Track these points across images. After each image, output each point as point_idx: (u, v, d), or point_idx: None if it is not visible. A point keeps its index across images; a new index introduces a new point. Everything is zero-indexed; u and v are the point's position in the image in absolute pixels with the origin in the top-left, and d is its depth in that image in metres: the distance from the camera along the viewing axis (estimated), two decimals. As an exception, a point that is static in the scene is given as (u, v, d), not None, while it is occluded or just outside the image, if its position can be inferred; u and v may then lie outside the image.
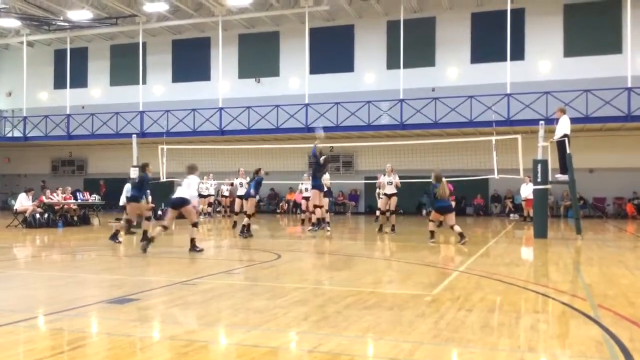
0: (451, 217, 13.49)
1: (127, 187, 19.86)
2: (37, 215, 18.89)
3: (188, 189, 11.59)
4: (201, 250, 11.31)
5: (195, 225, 11.56)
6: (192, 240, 11.38)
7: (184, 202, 11.42)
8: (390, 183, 16.79)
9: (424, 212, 26.59)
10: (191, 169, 11.92)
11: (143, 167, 13.60)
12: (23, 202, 19.33)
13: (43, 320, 5.69)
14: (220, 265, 10.19)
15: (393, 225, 16.59)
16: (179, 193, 11.55)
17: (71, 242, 14.31)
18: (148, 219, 14.01)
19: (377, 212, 18.55)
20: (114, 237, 13.40)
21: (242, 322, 5.57)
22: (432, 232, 13.74)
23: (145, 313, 5.96)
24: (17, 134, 32.81)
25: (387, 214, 16.93)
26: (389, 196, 16.78)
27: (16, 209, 19.49)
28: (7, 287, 7.67)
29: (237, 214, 19.48)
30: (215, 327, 5.42)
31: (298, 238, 15.39)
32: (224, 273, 8.91)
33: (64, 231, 17.72)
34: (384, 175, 16.99)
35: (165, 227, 11.33)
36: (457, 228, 13.38)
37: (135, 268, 10.07)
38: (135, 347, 4.76)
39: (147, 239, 11.89)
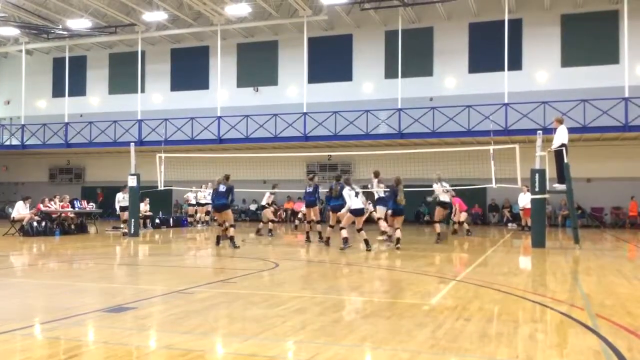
0: (399, 221, 14.69)
1: (119, 196, 19.86)
2: (35, 224, 18.84)
3: (361, 198, 13.98)
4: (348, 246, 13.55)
5: (361, 230, 13.91)
6: (366, 241, 13.65)
7: (362, 211, 14.07)
8: (447, 191, 16.89)
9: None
10: (350, 181, 14.41)
11: (227, 177, 15.05)
12: (20, 210, 19.29)
13: (40, 328, 5.66)
14: (217, 274, 10.17)
15: (468, 230, 17.31)
16: (356, 204, 13.75)
17: (68, 251, 14.27)
18: (232, 225, 14.90)
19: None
20: (232, 241, 14.39)
21: (240, 331, 5.55)
22: (383, 233, 15.38)
23: (142, 322, 5.94)
24: (15, 142, 32.77)
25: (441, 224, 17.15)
26: (444, 205, 16.96)
27: (13, 217, 19.45)
28: (4, 296, 7.64)
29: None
30: (212, 336, 5.40)
31: (296, 246, 15.36)
32: (221, 282, 8.89)
33: (61, 239, 17.68)
34: (437, 183, 17.00)
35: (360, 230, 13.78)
36: (398, 233, 14.48)
37: (132, 276, 10.06)
38: (131, 356, 4.74)
39: (232, 241, 14.28)
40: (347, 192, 13.82)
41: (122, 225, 20.16)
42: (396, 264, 11.73)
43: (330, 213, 15.02)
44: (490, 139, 19.36)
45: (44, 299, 7.36)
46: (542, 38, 26.91)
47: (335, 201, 14.47)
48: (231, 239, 14.45)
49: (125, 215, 19.59)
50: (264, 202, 19.95)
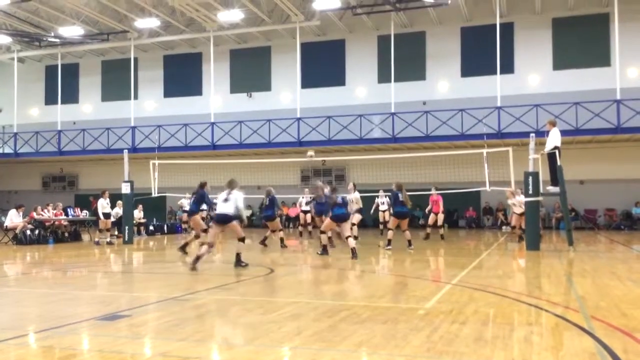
0: (405, 223, 15.07)
1: (103, 202, 19.33)
2: (28, 232, 18.74)
3: (233, 204, 11.22)
4: (246, 265, 11.12)
5: (242, 240, 11.36)
6: (238, 255, 11.23)
7: (229, 218, 11.15)
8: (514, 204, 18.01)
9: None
10: (232, 184, 11.47)
11: (201, 185, 14.77)
12: (13, 218, 19.18)
13: (34, 337, 5.62)
14: (212, 280, 10.13)
15: (520, 236, 17.65)
16: (222, 209, 11.18)
17: (62, 259, 14.20)
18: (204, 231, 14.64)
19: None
20: (183, 248, 14.58)
21: (235, 337, 5.54)
22: (389, 240, 15.01)
23: (137, 330, 5.91)
24: (7, 150, 32.65)
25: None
26: (520, 214, 17.91)
27: (6, 226, 19.33)
28: (-3, 305, 7.59)
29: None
30: (207, 343, 5.38)
31: (292, 252, 15.33)
32: (216, 288, 8.86)
33: (55, 247, 17.59)
34: (517, 194, 17.71)
35: (211, 245, 11.16)
36: (408, 234, 15.09)
37: (126, 284, 10.01)
38: (126, 364, 4.71)
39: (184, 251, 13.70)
40: (221, 197, 11.38)
41: (110, 234, 19.70)
42: (390, 268, 11.72)
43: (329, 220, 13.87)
44: (483, 142, 19.46)
45: (38, 307, 7.32)
46: (533, 41, 27.05)
47: (339, 209, 13.66)
48: (184, 245, 14.68)
49: (106, 223, 19.01)
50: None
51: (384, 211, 21.39)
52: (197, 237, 14.86)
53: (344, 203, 13.97)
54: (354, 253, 12.80)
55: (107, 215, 19.06)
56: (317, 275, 10.73)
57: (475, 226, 27.77)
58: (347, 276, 10.62)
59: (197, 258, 11.01)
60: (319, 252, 13.70)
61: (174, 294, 7.99)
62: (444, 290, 8.39)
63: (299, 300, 7.51)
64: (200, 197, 14.62)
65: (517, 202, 17.72)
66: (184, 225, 25.82)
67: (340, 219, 13.52)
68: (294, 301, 7.44)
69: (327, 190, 14.76)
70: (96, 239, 18.81)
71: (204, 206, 22.54)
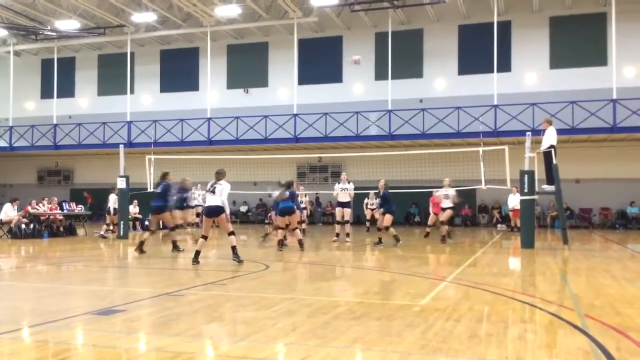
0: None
1: (112, 197, 19.74)
2: (23, 226, 18.70)
3: (220, 196, 10.82)
4: (241, 261, 10.90)
5: (232, 234, 11.08)
6: (234, 248, 11.03)
7: (218, 210, 10.86)
8: (447, 197, 17.21)
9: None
10: (219, 175, 11.09)
11: (163, 176, 13.96)
12: (8, 212, 19.14)
13: (28, 332, 5.61)
14: (207, 276, 10.12)
15: (444, 236, 17.07)
16: (211, 201, 10.87)
17: (57, 253, 14.17)
18: (173, 228, 14.09)
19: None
20: (175, 246, 13.85)
21: (230, 333, 5.53)
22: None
23: (132, 324, 5.90)
24: (3, 143, 32.50)
25: (438, 224, 17.96)
26: (444, 209, 17.46)
27: (1, 220, 19.29)
28: (-9, 299, 7.57)
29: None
30: (202, 338, 5.38)
31: (287, 249, 15.33)
32: (211, 284, 8.86)
33: (50, 242, 17.56)
34: (442, 188, 17.28)
35: (205, 237, 11.11)
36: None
37: (121, 279, 10.00)
38: (121, 359, 4.71)
39: (177, 248, 13.45)
40: (208, 188, 11.10)
41: (111, 228, 20.10)
42: (386, 265, 11.73)
43: (278, 216, 14.56)
44: (479, 140, 19.48)
45: (32, 301, 7.30)
46: (531, 40, 27.06)
47: (285, 202, 14.26)
48: (173, 243, 13.85)
49: (112, 218, 19.76)
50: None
51: (373, 209, 21.48)
52: (152, 232, 14.27)
53: (291, 196, 14.44)
54: (301, 244, 14.00)
55: (115, 211, 19.52)
56: (312, 271, 10.74)
57: (471, 224, 27.81)
58: (341, 273, 10.63)
59: (197, 253, 11.02)
60: (279, 248, 14.07)
61: (169, 290, 7.98)
62: (439, 287, 8.40)
63: (294, 297, 7.51)
64: (164, 190, 13.54)
65: (451, 196, 17.21)
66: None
67: (285, 212, 14.14)
68: (289, 297, 7.44)
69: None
70: (101, 233, 19.38)
71: (198, 202, 22.67)
